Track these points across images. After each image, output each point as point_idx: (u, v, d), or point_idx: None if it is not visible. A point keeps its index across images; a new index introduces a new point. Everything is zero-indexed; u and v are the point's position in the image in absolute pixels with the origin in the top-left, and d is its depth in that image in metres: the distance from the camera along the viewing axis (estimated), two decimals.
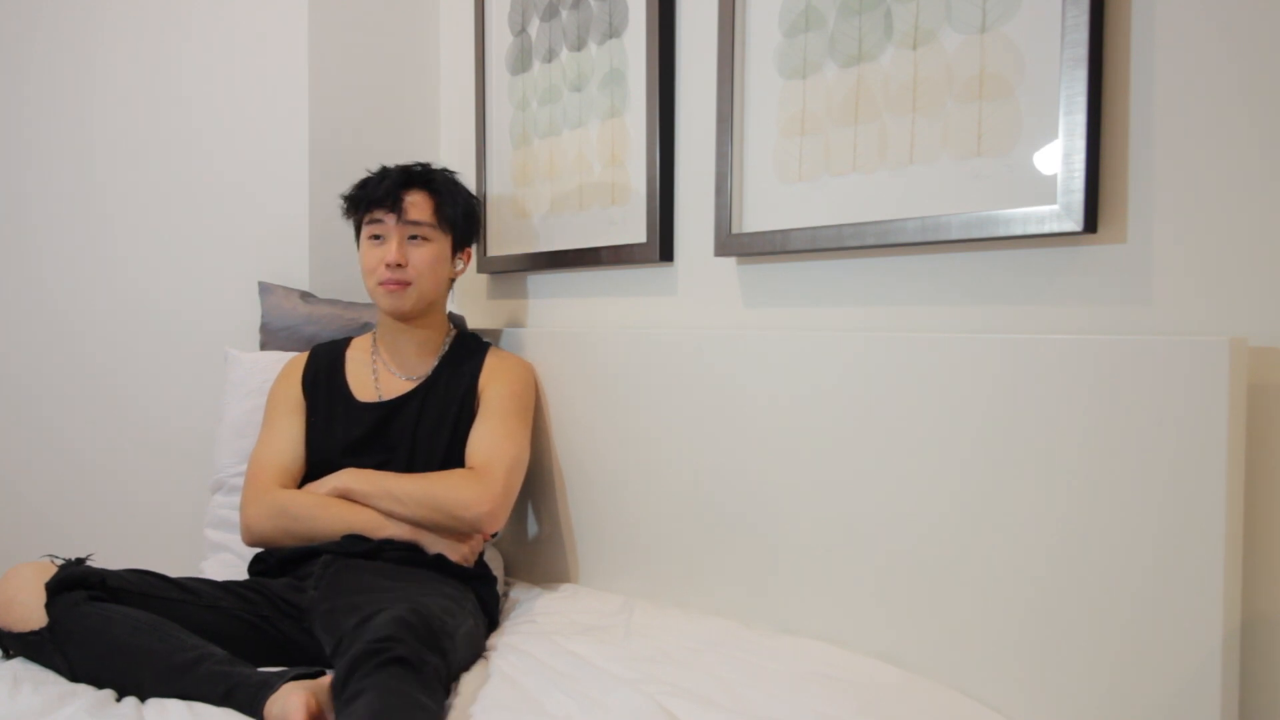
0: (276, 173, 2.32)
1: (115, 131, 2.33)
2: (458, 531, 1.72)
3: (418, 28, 2.49)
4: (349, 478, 1.74)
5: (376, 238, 1.85)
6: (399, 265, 1.81)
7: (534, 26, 2.14)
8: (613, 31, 1.92)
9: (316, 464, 1.82)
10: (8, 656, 1.46)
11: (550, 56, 2.09)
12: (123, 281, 2.35)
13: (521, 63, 2.18)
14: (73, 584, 1.43)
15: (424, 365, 1.90)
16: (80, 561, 1.49)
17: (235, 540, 1.97)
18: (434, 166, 1.91)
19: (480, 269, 2.31)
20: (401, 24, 2.46)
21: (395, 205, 1.83)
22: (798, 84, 1.57)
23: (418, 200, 1.85)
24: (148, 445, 2.36)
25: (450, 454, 1.81)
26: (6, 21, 2.32)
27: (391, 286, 1.82)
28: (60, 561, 1.49)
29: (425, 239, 1.85)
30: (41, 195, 2.34)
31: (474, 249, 2.00)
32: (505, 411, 1.83)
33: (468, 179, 2.32)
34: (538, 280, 2.19)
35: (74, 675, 1.39)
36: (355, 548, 1.66)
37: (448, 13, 2.48)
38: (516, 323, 2.25)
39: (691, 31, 1.78)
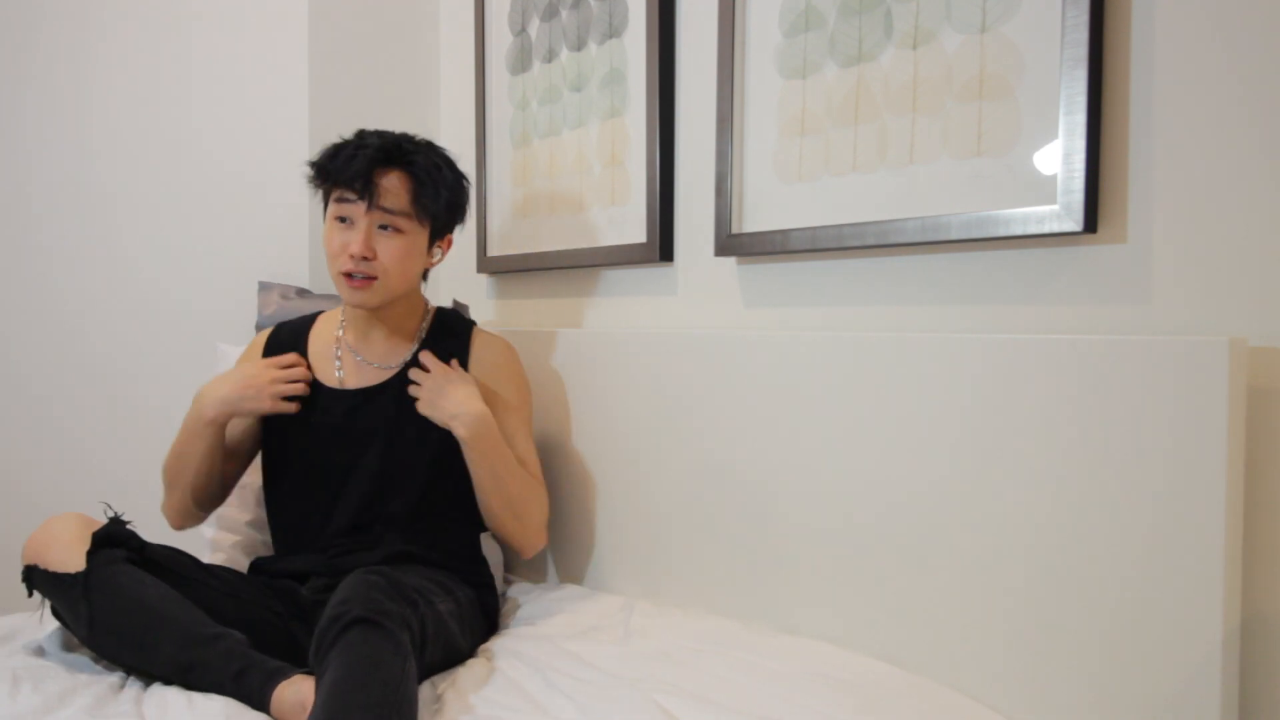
0: (277, 171, 2.32)
1: (116, 129, 2.34)
2: (501, 535, 1.72)
3: (418, 28, 2.49)
4: (469, 431, 1.62)
5: (343, 219, 1.64)
6: (365, 258, 1.62)
7: (534, 26, 2.14)
8: (613, 31, 1.92)
9: (281, 450, 1.73)
10: (30, 594, 1.48)
11: (550, 56, 2.09)
12: (124, 279, 2.36)
13: (521, 63, 2.18)
14: (116, 541, 1.47)
15: (396, 356, 1.73)
16: (123, 523, 1.52)
17: (230, 541, 1.95)
18: (417, 140, 1.69)
19: (480, 269, 2.31)
20: (401, 24, 2.46)
21: (366, 189, 1.60)
22: (798, 84, 1.57)
23: (393, 184, 1.63)
24: (149, 443, 2.36)
25: (442, 452, 1.68)
26: (8, 20, 2.32)
27: (356, 283, 1.63)
28: (111, 514, 1.52)
29: (398, 230, 1.63)
30: (43, 192, 2.35)
31: (457, 234, 1.79)
32: (528, 424, 1.78)
33: (468, 179, 2.32)
34: (538, 280, 2.19)
35: (91, 628, 1.40)
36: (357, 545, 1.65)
37: (448, 13, 2.48)
38: (516, 323, 2.25)
39: (691, 31, 1.78)
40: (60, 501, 2.34)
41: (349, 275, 1.63)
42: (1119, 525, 1.14)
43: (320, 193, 1.70)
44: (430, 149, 1.70)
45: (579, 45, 2.01)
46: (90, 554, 1.43)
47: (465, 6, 2.38)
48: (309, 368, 1.74)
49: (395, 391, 1.70)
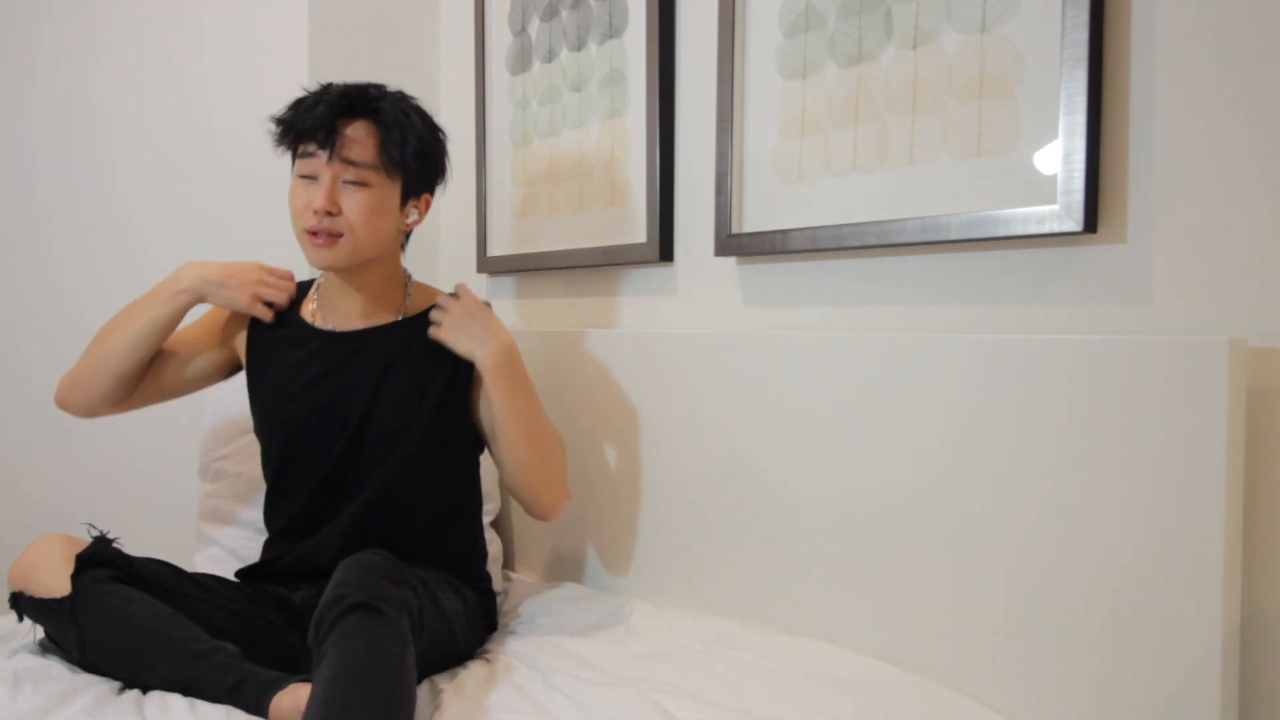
0: (278, 171, 2.32)
1: (119, 129, 2.35)
2: (526, 489, 1.60)
3: (418, 28, 2.49)
4: (495, 360, 1.53)
5: (307, 176, 1.53)
6: (329, 213, 1.50)
7: (534, 26, 2.14)
8: (613, 31, 1.92)
9: (268, 399, 1.62)
10: (20, 620, 1.47)
11: (550, 56, 2.09)
12: (124, 279, 2.35)
13: (521, 63, 2.18)
14: (101, 561, 1.44)
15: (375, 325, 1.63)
16: (109, 541, 1.49)
17: (222, 534, 1.93)
18: (386, 89, 1.57)
19: (480, 269, 2.31)
20: (402, 24, 2.46)
21: (329, 139, 1.49)
22: (798, 84, 1.57)
23: (358, 134, 1.51)
24: (151, 442, 2.37)
25: (442, 419, 1.59)
26: (10, 21, 2.33)
27: (319, 240, 1.51)
28: (95, 534, 1.49)
29: (364, 184, 1.51)
30: (45, 192, 2.36)
31: (437, 195, 1.66)
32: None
33: (468, 179, 2.33)
34: (538, 280, 2.19)
35: (83, 650, 1.39)
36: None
37: (448, 13, 2.48)
38: (516, 323, 2.25)
39: (691, 31, 1.78)
40: (64, 501, 2.35)
41: (313, 233, 1.52)
42: (1119, 525, 1.15)
43: (289, 157, 1.60)
44: (400, 97, 1.59)
45: (579, 45, 2.01)
46: (75, 576, 1.41)
47: (465, 6, 2.38)
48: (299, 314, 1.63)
49: (388, 336, 1.60)
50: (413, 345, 1.60)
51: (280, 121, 1.57)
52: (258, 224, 2.33)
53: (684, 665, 1.39)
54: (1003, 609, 1.26)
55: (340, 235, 1.52)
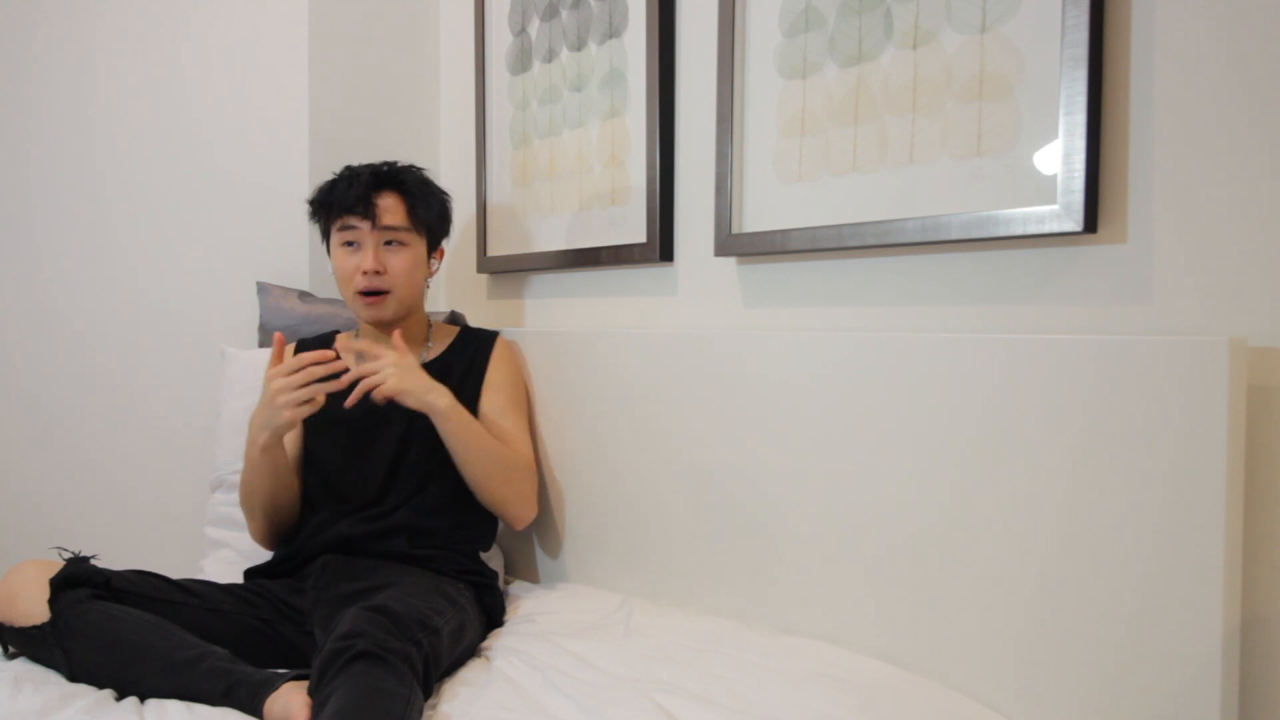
0: (277, 173, 2.32)
1: (116, 131, 2.34)
2: (493, 505, 1.77)
3: (418, 28, 2.49)
4: (449, 402, 1.67)
5: (350, 244, 1.78)
6: (377, 272, 1.75)
7: (534, 26, 2.14)
8: (613, 31, 1.92)
9: (326, 448, 1.78)
10: (8, 655, 1.46)
11: (550, 56, 2.09)
12: (123, 281, 2.36)
13: (521, 63, 2.18)
14: (77, 582, 1.44)
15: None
16: (85, 560, 1.49)
17: (235, 537, 1.97)
18: (400, 165, 1.84)
19: (480, 269, 2.31)
20: (401, 24, 2.46)
21: (368, 210, 1.75)
22: (798, 84, 1.57)
23: (390, 203, 1.77)
24: (148, 443, 2.36)
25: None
26: (7, 19, 2.32)
27: (370, 299, 1.76)
28: (67, 555, 1.49)
29: (401, 243, 1.78)
30: (43, 194, 2.35)
31: (446, 245, 1.93)
32: (522, 407, 1.88)
33: (468, 179, 2.33)
34: (537, 280, 2.19)
35: (73, 672, 1.39)
36: (356, 530, 1.68)
37: (448, 13, 2.48)
38: (516, 323, 2.25)
39: (691, 31, 1.78)
40: (64, 508, 2.35)
41: (364, 293, 1.76)
42: (1117, 525, 1.14)
43: (319, 227, 1.84)
44: (416, 170, 1.85)
45: (579, 45, 2.01)
46: (52, 600, 1.41)
47: (465, 6, 2.38)
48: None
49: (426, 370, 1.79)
50: (438, 374, 1.76)
51: (320, 202, 1.82)
52: (251, 231, 2.33)
53: (684, 665, 1.39)
54: (1000, 607, 1.26)
55: (388, 292, 1.77)
